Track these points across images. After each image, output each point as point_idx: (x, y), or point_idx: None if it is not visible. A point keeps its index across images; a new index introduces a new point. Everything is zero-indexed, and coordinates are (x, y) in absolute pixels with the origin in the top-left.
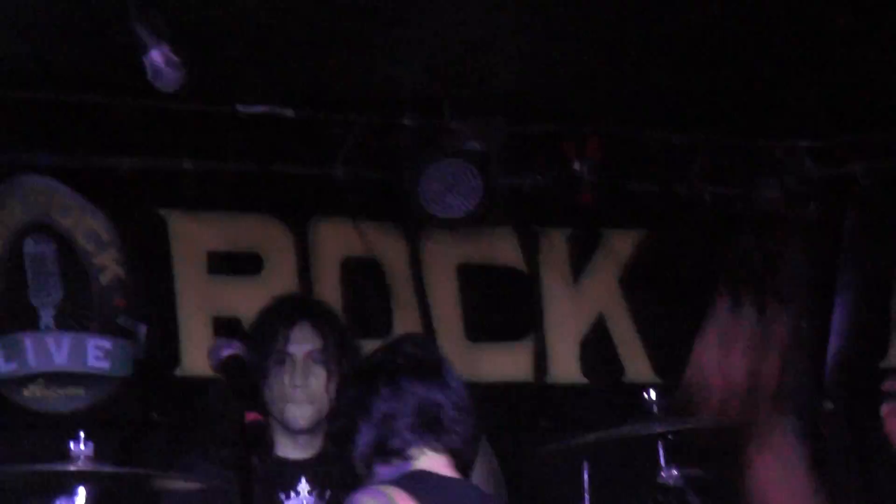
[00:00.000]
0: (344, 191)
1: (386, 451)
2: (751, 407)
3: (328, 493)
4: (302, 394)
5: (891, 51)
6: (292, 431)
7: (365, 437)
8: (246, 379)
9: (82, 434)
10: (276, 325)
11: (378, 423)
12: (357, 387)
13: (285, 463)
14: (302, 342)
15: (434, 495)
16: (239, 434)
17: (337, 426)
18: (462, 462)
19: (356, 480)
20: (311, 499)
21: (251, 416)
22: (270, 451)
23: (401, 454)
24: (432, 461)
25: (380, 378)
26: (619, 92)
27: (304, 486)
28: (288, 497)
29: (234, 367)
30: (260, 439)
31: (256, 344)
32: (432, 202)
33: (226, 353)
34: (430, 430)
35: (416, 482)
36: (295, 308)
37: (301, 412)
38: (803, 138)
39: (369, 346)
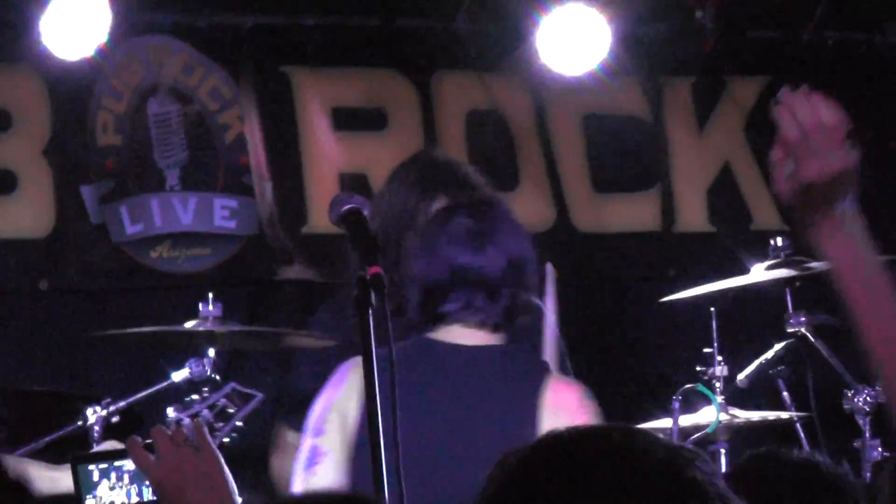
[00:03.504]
0: (466, 43)
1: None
2: None
3: None
4: None
5: None
6: None
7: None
8: (366, 233)
9: (211, 295)
10: (415, 198)
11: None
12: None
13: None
14: None
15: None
16: (360, 288)
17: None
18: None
19: None
20: None
21: (373, 270)
22: (399, 307)
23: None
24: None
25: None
26: None
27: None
28: None
29: (354, 221)
30: (381, 292)
31: (392, 210)
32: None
33: (346, 206)
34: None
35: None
36: (437, 178)
37: None
38: None
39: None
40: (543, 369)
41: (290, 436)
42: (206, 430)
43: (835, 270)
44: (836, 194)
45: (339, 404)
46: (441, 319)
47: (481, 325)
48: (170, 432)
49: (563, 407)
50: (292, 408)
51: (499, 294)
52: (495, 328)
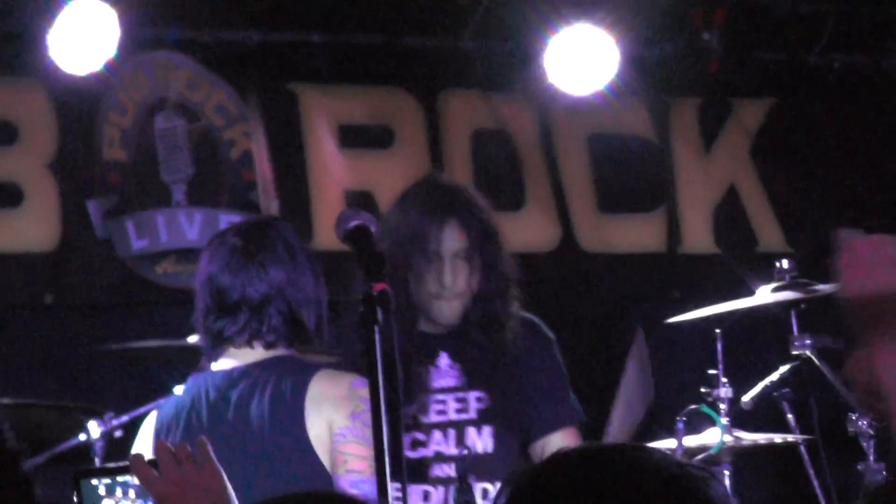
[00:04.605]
0: (473, 62)
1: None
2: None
3: (467, 367)
4: (450, 293)
5: None
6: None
7: None
8: (373, 250)
9: None
10: (426, 222)
11: None
12: None
13: (426, 336)
14: (451, 241)
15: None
16: (366, 304)
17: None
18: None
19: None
20: (453, 372)
21: (379, 287)
22: (413, 326)
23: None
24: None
25: None
26: None
27: (444, 360)
28: (427, 370)
29: (360, 237)
30: (387, 308)
31: (400, 234)
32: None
33: (353, 223)
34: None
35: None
36: (443, 203)
37: (450, 311)
38: None
39: (502, 219)
40: (311, 370)
41: None
42: (209, 447)
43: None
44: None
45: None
46: (218, 342)
47: (251, 343)
48: (173, 449)
49: (326, 397)
50: None
51: (265, 313)
52: (269, 345)
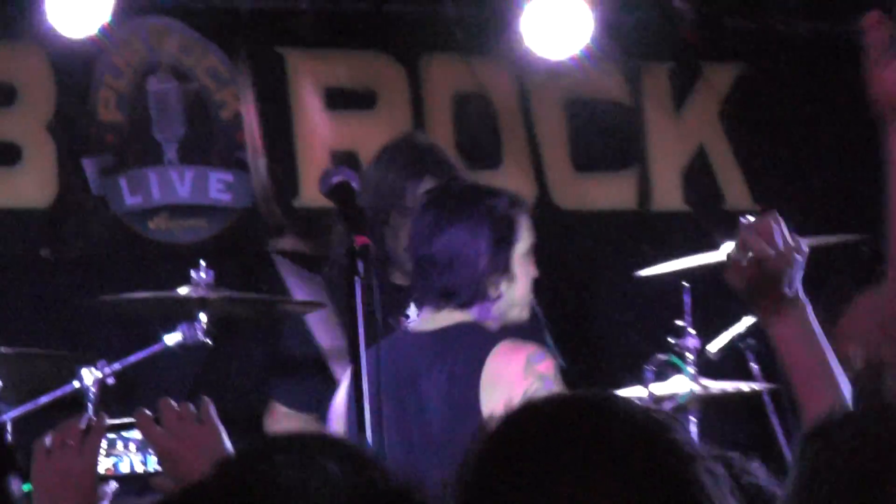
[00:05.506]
0: (453, 27)
1: None
2: None
3: None
4: None
5: None
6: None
7: None
8: (354, 205)
9: (203, 263)
10: (402, 179)
11: None
12: None
13: (399, 288)
14: None
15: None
16: (348, 257)
17: None
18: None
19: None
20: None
21: (360, 240)
22: (386, 279)
23: None
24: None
25: None
26: None
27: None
28: (398, 321)
29: (342, 193)
30: (368, 261)
31: (378, 190)
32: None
33: (335, 179)
34: None
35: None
36: (419, 161)
37: None
38: None
39: (480, 177)
40: (491, 342)
41: (281, 410)
42: (211, 406)
43: (776, 346)
44: (779, 279)
45: None
46: (418, 302)
47: (439, 306)
48: (177, 406)
49: (502, 377)
50: (281, 381)
51: (446, 275)
52: (462, 306)
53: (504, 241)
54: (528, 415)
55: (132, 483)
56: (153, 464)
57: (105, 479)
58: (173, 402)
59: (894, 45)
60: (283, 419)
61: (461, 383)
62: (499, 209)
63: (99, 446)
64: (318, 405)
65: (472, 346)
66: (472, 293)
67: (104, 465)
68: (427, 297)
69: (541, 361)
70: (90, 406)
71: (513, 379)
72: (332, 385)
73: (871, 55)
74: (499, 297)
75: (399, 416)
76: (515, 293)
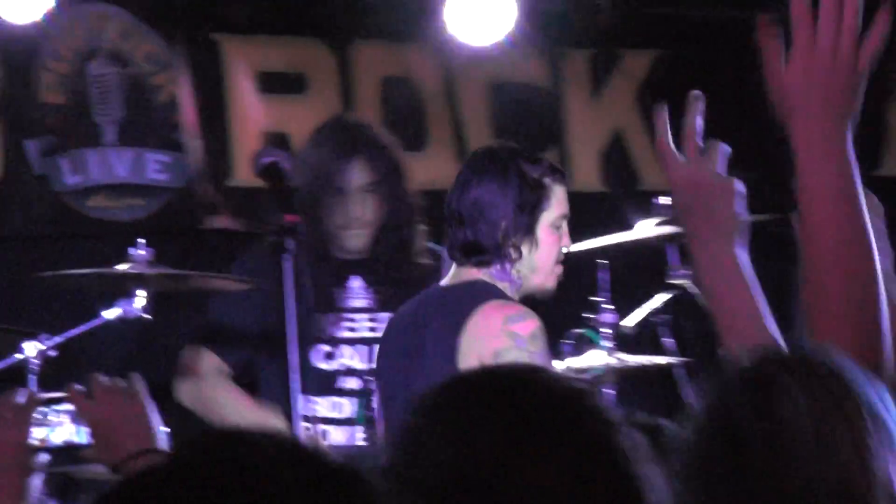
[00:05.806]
0: (380, 14)
1: None
2: None
3: (380, 290)
4: (357, 223)
5: None
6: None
7: None
8: (285, 184)
9: (141, 240)
10: (334, 159)
11: None
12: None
13: (340, 261)
14: (358, 176)
15: None
16: (277, 234)
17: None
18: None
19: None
20: (366, 294)
21: (289, 218)
22: (326, 253)
23: None
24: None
25: None
26: None
27: (357, 282)
28: (339, 290)
29: (273, 173)
30: (297, 238)
31: (311, 171)
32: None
33: (267, 159)
34: None
35: None
36: (350, 142)
37: (358, 239)
38: None
39: (406, 158)
40: (481, 301)
41: (206, 360)
42: (140, 381)
43: (701, 276)
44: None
45: None
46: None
47: (461, 262)
48: (107, 382)
49: (479, 334)
50: (208, 335)
51: (469, 230)
52: (480, 264)
53: (530, 205)
54: (454, 387)
55: (65, 454)
56: (85, 436)
57: (38, 450)
58: (103, 378)
59: (788, 45)
60: (208, 373)
61: (447, 335)
62: (531, 173)
63: (31, 419)
64: (245, 372)
65: (467, 301)
66: (492, 251)
67: (38, 435)
68: (452, 251)
69: (519, 322)
70: (33, 378)
71: (488, 335)
72: (262, 358)
73: (767, 60)
74: (518, 258)
75: (405, 364)
76: (536, 259)
